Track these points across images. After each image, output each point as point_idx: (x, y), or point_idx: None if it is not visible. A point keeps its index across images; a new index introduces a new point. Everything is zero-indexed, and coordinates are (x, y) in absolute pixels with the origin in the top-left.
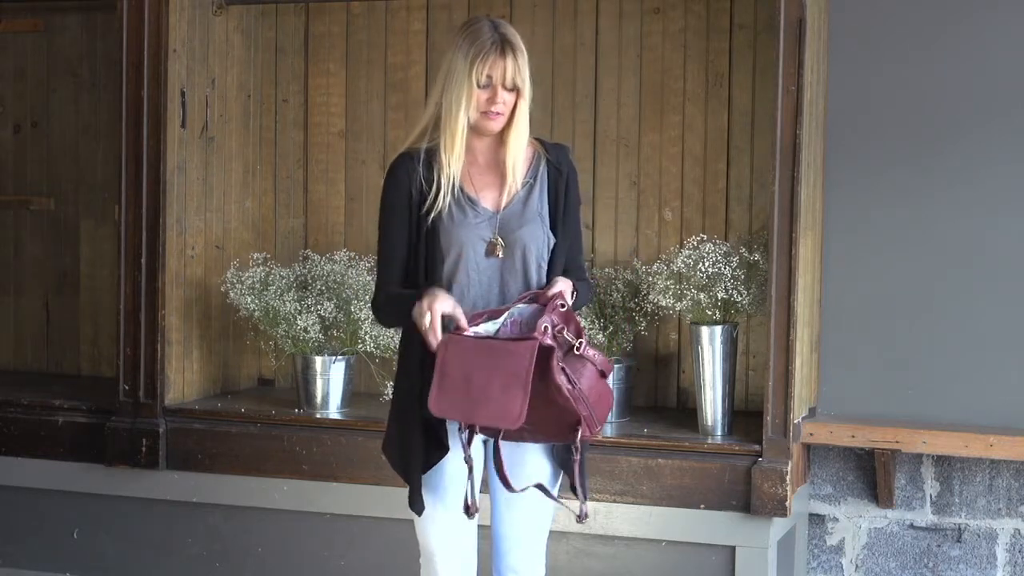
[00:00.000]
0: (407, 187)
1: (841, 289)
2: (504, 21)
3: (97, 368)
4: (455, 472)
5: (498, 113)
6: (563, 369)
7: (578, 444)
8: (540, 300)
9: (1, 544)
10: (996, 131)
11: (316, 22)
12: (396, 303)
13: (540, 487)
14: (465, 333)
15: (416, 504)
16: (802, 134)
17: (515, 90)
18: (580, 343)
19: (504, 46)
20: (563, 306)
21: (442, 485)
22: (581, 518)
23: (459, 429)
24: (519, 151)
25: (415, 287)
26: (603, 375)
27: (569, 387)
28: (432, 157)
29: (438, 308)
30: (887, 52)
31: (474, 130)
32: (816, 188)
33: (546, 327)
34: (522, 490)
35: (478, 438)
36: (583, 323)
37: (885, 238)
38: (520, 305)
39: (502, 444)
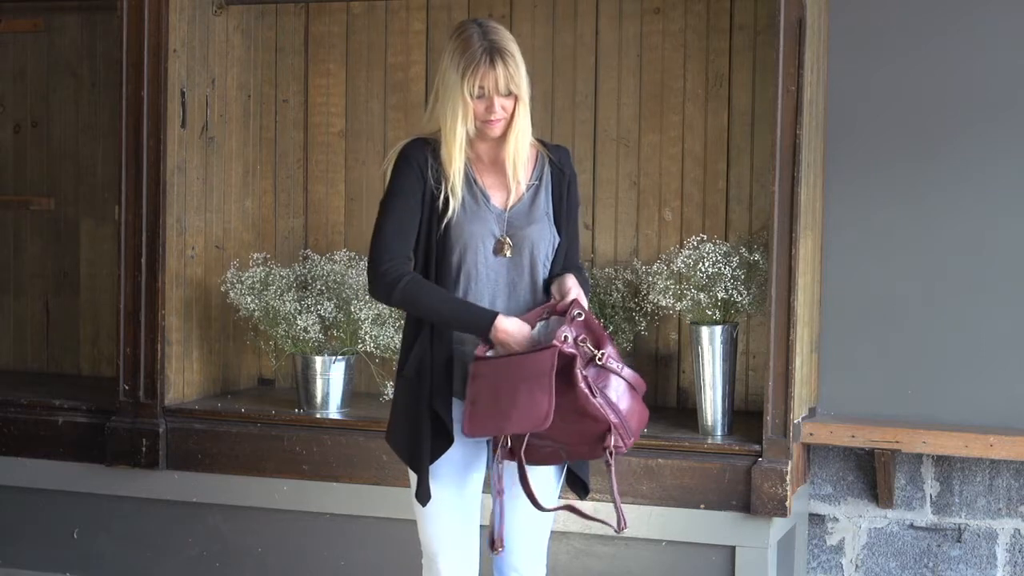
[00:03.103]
0: (421, 169)
1: (841, 289)
2: (494, 24)
3: (97, 368)
4: (459, 474)
5: (497, 120)
6: (585, 378)
7: (612, 450)
8: (559, 310)
9: (1, 544)
10: (996, 131)
11: (316, 22)
12: (445, 307)
13: (572, 509)
14: (487, 354)
15: (423, 495)
16: (802, 134)
17: (511, 95)
18: (602, 354)
19: (493, 55)
20: (579, 315)
21: (445, 486)
22: (620, 529)
23: (493, 455)
24: (520, 152)
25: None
26: (634, 389)
27: (591, 396)
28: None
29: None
30: (887, 52)
31: (476, 135)
32: (816, 188)
33: (566, 336)
34: (553, 509)
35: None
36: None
37: (885, 238)
38: (540, 323)
39: (528, 467)
